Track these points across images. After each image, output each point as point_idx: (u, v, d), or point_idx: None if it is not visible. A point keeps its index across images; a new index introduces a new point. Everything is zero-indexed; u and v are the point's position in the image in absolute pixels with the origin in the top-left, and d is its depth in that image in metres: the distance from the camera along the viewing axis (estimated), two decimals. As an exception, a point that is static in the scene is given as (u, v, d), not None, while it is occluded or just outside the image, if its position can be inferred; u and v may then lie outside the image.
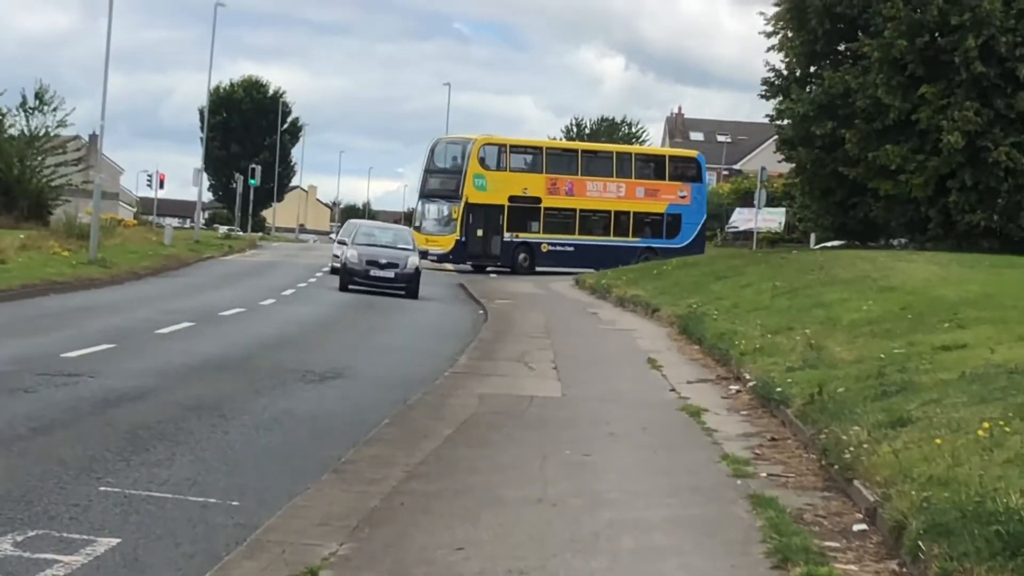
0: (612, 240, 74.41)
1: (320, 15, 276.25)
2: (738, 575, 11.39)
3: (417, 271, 50.47)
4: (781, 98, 64.24)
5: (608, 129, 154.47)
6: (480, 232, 73.57)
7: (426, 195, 75.49)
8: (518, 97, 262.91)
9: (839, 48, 61.45)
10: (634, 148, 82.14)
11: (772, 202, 78.38)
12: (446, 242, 72.77)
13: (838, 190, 62.40)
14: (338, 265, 53.56)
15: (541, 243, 74.56)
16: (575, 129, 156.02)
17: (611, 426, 20.13)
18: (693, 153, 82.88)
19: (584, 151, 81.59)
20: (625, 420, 20.94)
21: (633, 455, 17.77)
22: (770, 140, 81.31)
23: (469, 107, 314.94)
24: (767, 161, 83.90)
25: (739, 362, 27.59)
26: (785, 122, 64.21)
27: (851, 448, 15.73)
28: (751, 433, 19.90)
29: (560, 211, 74.46)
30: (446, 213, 73.04)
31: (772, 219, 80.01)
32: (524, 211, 73.39)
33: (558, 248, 74.67)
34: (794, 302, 36.36)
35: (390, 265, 49.60)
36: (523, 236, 74.22)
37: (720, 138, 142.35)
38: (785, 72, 64.38)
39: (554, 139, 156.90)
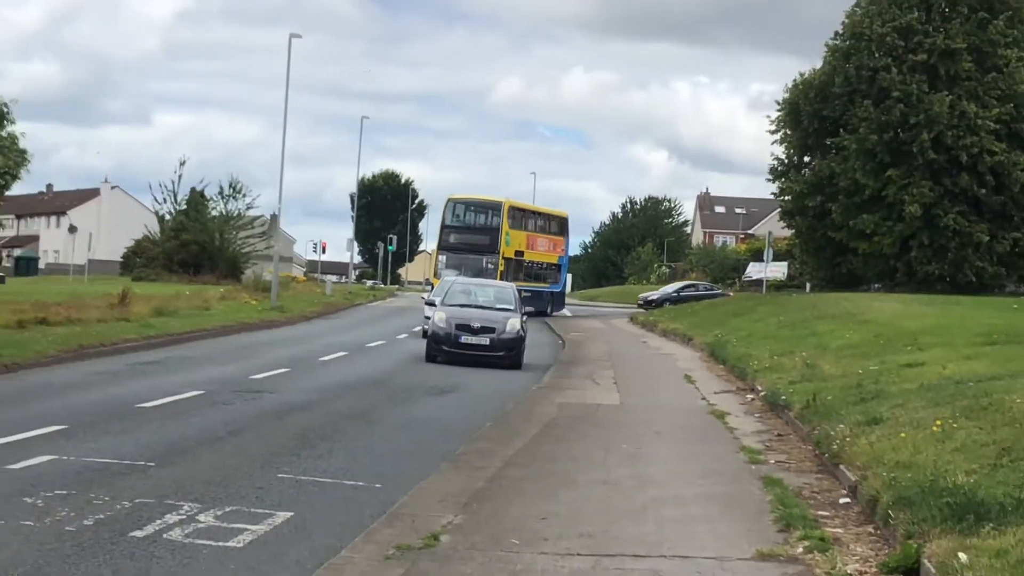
0: (537, 286, 66.91)
1: (440, 124, 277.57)
2: (753, 535, 11.32)
3: (520, 336, 31.90)
4: (783, 180, 64.21)
5: (653, 205, 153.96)
6: None
7: (451, 248, 63.31)
8: (587, 182, 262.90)
9: (826, 142, 61.19)
10: (541, 208, 73.14)
11: (777, 257, 77.90)
12: None
13: (827, 249, 62.19)
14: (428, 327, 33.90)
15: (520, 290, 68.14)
16: (629, 205, 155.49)
17: (656, 426, 20.09)
18: (564, 212, 77.13)
19: (530, 211, 71.80)
20: (667, 421, 20.88)
21: (673, 448, 17.70)
22: (775, 211, 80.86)
23: (549, 190, 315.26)
24: (773, 227, 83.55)
25: (753, 377, 27.52)
26: (786, 198, 64.09)
27: (837, 441, 15.69)
28: (763, 430, 19.81)
29: (527, 262, 66.96)
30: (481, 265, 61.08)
31: (777, 270, 79.49)
32: (518, 263, 65.27)
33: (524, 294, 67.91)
34: (794, 332, 36.20)
35: (484, 330, 31.36)
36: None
37: (738, 210, 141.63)
38: (785, 160, 64.28)
39: (612, 215, 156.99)
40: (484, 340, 31.30)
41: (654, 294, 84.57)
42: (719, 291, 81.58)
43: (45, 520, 11.07)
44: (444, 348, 31.33)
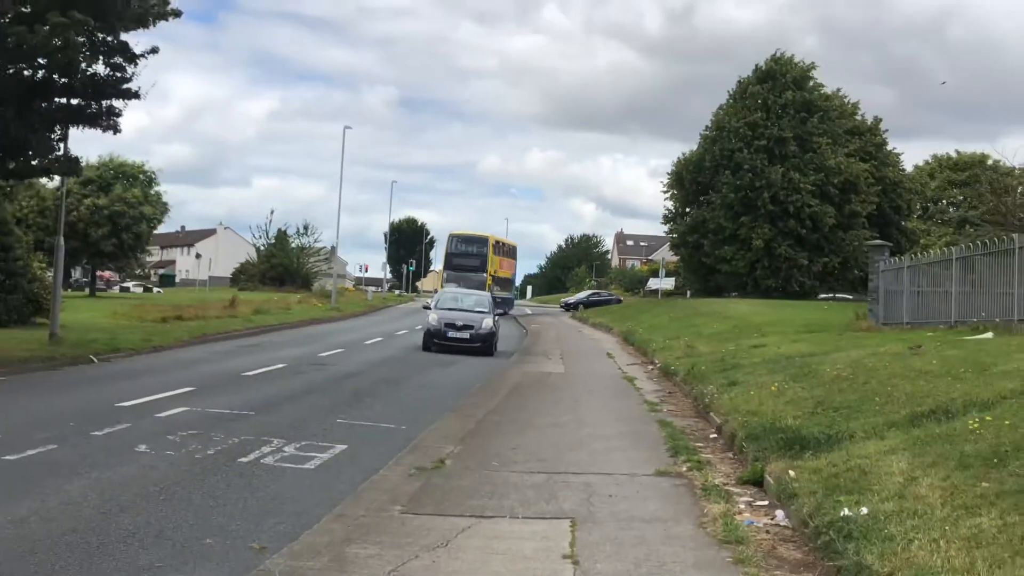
0: (502, 294, 63.20)
1: (446, 185, 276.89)
2: (652, 459, 11.32)
3: (491, 332, 29.63)
4: (672, 223, 64.32)
5: (585, 240, 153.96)
6: None
7: (453, 267, 61.33)
8: (542, 224, 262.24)
9: (700, 198, 61.29)
10: (504, 239, 71.83)
11: (668, 274, 78.03)
12: None
13: (701, 268, 62.11)
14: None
15: (494, 298, 66.58)
16: (569, 240, 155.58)
17: (589, 387, 20.10)
18: (515, 243, 75.58)
19: (497, 242, 67.68)
20: (596, 384, 20.90)
21: (600, 401, 17.71)
22: (667, 244, 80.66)
23: (517, 230, 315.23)
24: (665, 255, 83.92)
25: (653, 354, 27.54)
26: (674, 235, 64.15)
27: (708, 397, 15.73)
28: (659, 390, 19.82)
29: (498, 277, 64.12)
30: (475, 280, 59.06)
31: (668, 283, 79.26)
32: (494, 278, 62.44)
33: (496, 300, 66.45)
34: (680, 324, 36.27)
35: (466, 327, 29.40)
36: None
37: (642, 243, 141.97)
38: (673, 210, 64.32)
39: (559, 246, 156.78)
40: (465, 335, 29.23)
41: (571, 299, 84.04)
42: (615, 297, 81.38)
43: (181, 450, 11.04)
44: (435, 341, 29.30)
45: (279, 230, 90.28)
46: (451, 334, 29.30)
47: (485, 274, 61.04)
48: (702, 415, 15.40)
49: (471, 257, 62.50)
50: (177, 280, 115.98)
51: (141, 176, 62.48)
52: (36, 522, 7.69)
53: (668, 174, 63.62)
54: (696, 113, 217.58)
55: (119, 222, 59.41)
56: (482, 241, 64.50)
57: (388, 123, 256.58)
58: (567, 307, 79.12)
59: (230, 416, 13.88)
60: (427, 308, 31.60)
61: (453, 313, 30.21)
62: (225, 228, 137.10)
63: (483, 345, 29.24)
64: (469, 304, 31.66)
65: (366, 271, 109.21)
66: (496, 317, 31.58)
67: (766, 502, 9.06)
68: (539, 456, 11.48)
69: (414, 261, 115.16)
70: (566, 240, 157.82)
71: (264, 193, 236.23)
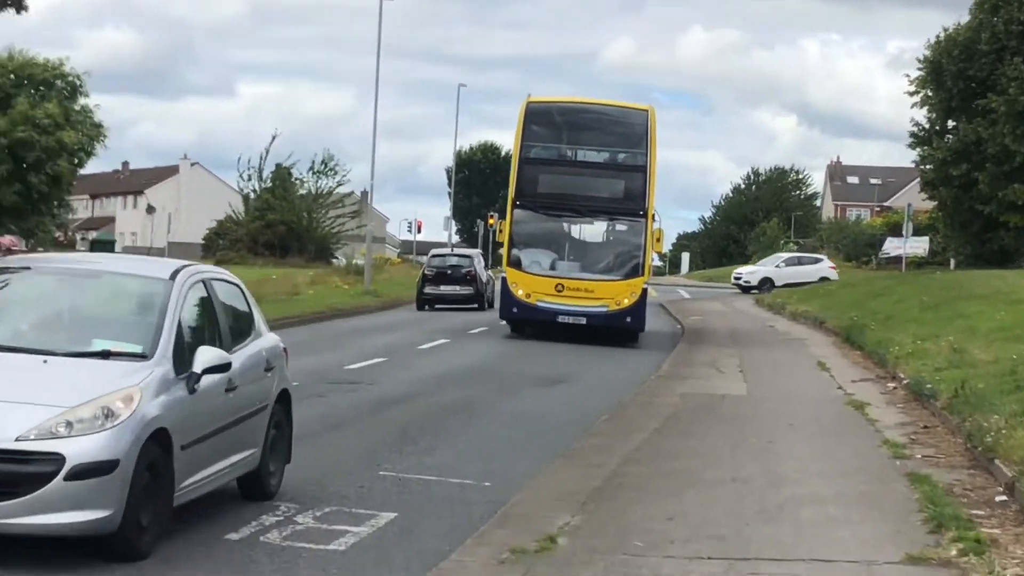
0: None
1: (546, 90, 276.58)
2: (900, 540, 11.24)
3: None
4: (924, 147, 63.48)
5: (779, 176, 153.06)
6: None
7: None
8: (706, 151, 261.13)
9: (972, 104, 60.31)
10: None
11: (917, 232, 76.85)
12: None
13: (974, 223, 61.28)
14: None
15: None
16: (753, 177, 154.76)
17: (789, 418, 20.02)
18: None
19: None
20: (800, 413, 20.80)
21: (808, 442, 17.62)
22: (915, 181, 79.73)
23: (665, 160, 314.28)
24: (913, 199, 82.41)
25: (894, 364, 27.26)
26: (928, 167, 63.33)
27: (992, 433, 15.48)
28: (906, 422, 19.65)
29: None
30: None
31: (918, 246, 78.34)
32: None
33: None
34: (938, 314, 35.77)
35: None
36: None
37: (872, 181, 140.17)
38: (927, 125, 63.48)
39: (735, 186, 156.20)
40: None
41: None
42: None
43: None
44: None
45: (279, 167, 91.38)
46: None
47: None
48: (981, 464, 15.18)
49: None
50: (118, 248, 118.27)
51: (59, 83, 63.77)
52: None
53: (919, 64, 62.84)
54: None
55: (25, 157, 60.65)
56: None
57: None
58: (743, 287, 77.58)
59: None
60: None
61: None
62: (193, 164, 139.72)
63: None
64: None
65: (419, 231, 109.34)
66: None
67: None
68: (711, 531, 11.46)
69: (495, 214, 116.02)
70: (747, 178, 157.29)
71: (255, 107, 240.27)
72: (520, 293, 35.09)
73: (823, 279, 73.10)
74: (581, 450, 16.42)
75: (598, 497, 13.12)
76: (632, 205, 35.76)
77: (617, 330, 35.55)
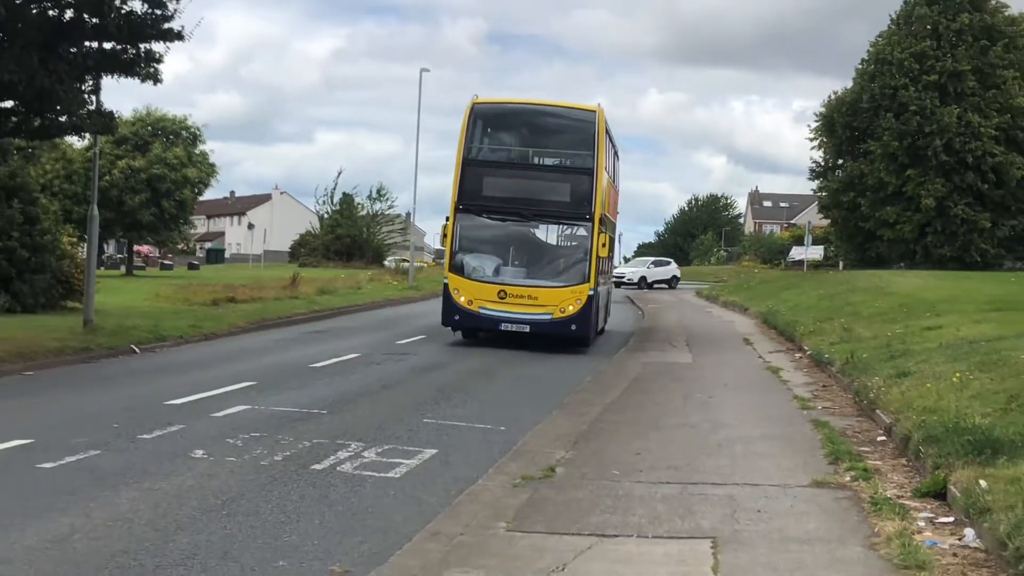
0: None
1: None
2: (807, 467, 11.21)
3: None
4: (821, 179, 63.61)
5: (713, 201, 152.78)
6: None
7: None
8: (660, 183, 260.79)
9: (856, 147, 60.38)
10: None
11: (815, 242, 76.92)
12: None
13: (858, 235, 61.27)
14: None
15: None
16: (693, 201, 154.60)
17: (724, 380, 19.99)
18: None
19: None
20: (732, 376, 20.76)
21: (739, 397, 17.58)
22: (814, 205, 79.71)
23: (629, 189, 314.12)
24: (812, 218, 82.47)
25: (800, 339, 27.23)
26: (823, 194, 63.44)
27: (873, 391, 15.49)
28: (810, 383, 19.60)
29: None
30: None
31: (816, 253, 78.13)
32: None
33: None
34: (832, 303, 35.71)
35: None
36: None
37: (782, 204, 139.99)
38: (822, 163, 63.52)
39: (680, 209, 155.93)
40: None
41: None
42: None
43: (245, 457, 11.27)
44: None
45: (345, 195, 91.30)
46: None
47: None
48: (866, 413, 15.18)
49: None
50: (227, 255, 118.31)
51: (184, 133, 63.72)
52: (80, 541, 7.91)
53: (816, 118, 62.85)
54: (851, 43, 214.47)
55: (159, 187, 60.66)
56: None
57: (474, 63, 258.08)
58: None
59: (298, 415, 14.15)
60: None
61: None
62: (282, 193, 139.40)
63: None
64: None
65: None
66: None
67: (951, 519, 8.92)
68: (668, 463, 11.45)
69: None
70: (689, 202, 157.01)
71: (328, 150, 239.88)
72: (462, 300, 26.23)
73: (673, 277, 74.26)
74: (571, 403, 16.41)
75: (585, 438, 13.10)
76: (578, 209, 26.52)
77: (562, 339, 26.42)
